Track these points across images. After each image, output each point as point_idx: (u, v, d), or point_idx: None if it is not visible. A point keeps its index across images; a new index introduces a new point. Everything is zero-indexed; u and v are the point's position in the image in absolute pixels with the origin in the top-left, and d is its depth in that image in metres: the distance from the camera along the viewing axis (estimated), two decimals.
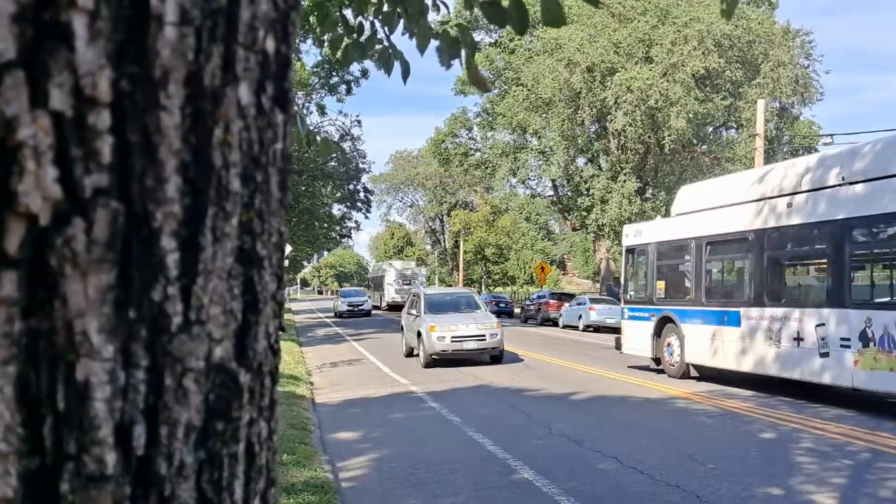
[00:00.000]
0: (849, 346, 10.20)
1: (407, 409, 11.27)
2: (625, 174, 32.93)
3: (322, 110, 41.10)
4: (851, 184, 10.42)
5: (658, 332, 14.50)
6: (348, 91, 36.82)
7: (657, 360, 14.65)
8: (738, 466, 7.47)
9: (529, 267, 64.86)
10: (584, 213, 35.31)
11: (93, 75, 0.50)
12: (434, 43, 2.93)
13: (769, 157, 32.72)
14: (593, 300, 32.73)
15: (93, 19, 0.50)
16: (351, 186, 46.72)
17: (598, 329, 30.79)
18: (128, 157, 0.53)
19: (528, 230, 68.95)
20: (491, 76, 45.74)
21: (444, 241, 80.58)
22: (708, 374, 13.57)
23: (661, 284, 14.86)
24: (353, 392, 13.05)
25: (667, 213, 31.40)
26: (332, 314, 44.68)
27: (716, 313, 13.05)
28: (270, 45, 0.64)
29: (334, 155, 44.70)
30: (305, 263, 69.15)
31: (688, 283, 14.22)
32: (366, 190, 49.68)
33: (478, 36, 50.76)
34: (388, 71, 3.14)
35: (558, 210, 42.64)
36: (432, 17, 3.03)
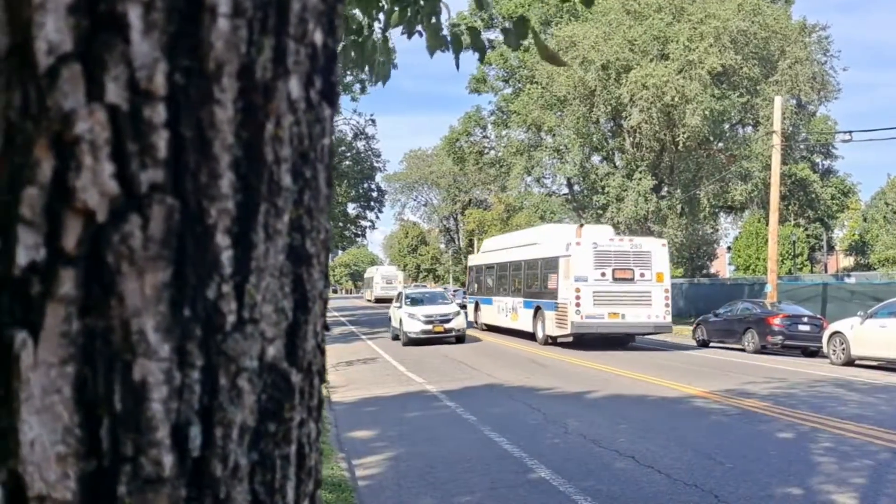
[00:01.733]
0: (532, 315, 22.89)
1: (422, 407, 11.26)
2: (640, 172, 32.73)
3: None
4: (522, 246, 25.12)
5: (476, 308, 29.93)
6: (362, 90, 36.85)
7: (475, 321, 29.11)
8: (756, 466, 7.41)
9: None
10: (600, 212, 35.14)
11: (148, 68, 0.49)
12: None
13: (786, 154, 32.48)
14: None
15: (148, 11, 0.49)
16: (365, 185, 46.78)
17: None
18: (182, 153, 0.51)
19: None
20: (505, 74, 45.69)
21: (459, 239, 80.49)
22: (493, 328, 27.32)
23: (475, 285, 30.54)
24: (369, 390, 13.06)
25: (683, 212, 31.45)
26: (390, 333, 24.44)
27: (488, 300, 28.10)
28: (319, 37, 0.63)
29: (348, 154, 44.83)
30: None
31: (482, 285, 29.48)
32: (378, 189, 49.74)
33: (493, 34, 50.73)
34: (375, 78, 3.12)
35: (573, 208, 42.48)
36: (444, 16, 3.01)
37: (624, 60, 31.30)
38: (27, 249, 0.46)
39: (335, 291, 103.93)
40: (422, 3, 2.70)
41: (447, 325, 21.82)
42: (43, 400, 0.46)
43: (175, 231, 0.51)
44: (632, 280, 20.18)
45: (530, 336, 22.73)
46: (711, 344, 23.37)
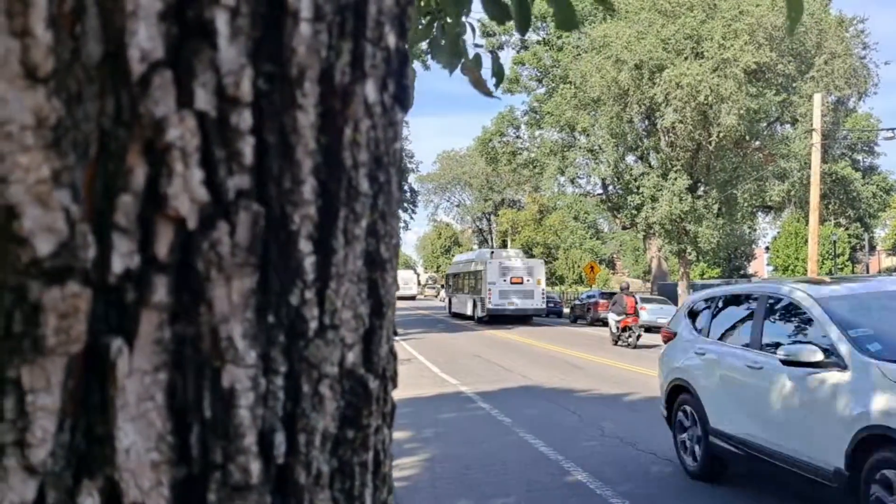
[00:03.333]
0: (472, 304, 35.55)
1: (457, 409, 11.25)
2: (675, 171, 32.35)
3: None
4: (468, 262, 38.30)
5: (450, 302, 41.02)
6: None
7: (448, 310, 41.05)
8: None
9: (578, 266, 64.43)
10: (634, 212, 34.83)
11: (235, 74, 0.49)
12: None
13: (826, 152, 31.92)
14: (644, 299, 32.29)
15: (234, 16, 0.49)
16: None
17: (649, 329, 30.41)
18: (266, 159, 0.51)
19: (576, 229, 68.42)
20: (538, 74, 45.51)
21: (492, 240, 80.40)
22: (457, 315, 38.16)
23: (450, 286, 41.54)
24: (404, 392, 13.08)
25: (719, 212, 31.15)
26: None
27: (455, 296, 39.52)
28: (392, 40, 0.63)
29: None
30: None
31: (452, 286, 40.72)
32: (412, 190, 49.91)
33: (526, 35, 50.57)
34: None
35: (608, 208, 42.18)
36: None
37: (657, 59, 30.99)
38: (122, 257, 0.46)
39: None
40: (448, 19, 2.68)
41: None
42: (138, 407, 0.46)
43: (260, 237, 0.51)
44: (521, 283, 33.05)
45: (471, 318, 35.47)
46: None
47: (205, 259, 0.48)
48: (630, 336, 21.55)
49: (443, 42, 2.72)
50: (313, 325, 0.55)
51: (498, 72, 3.00)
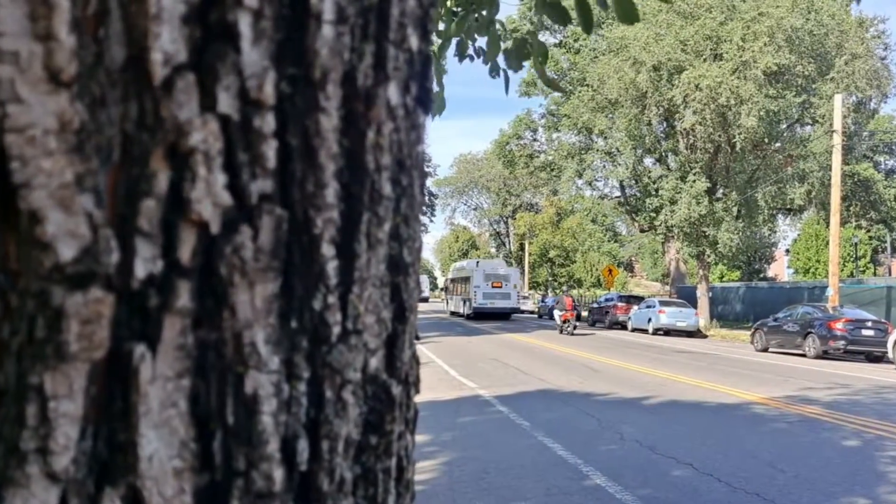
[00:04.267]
0: (462, 303, 43.83)
1: (475, 412, 11.22)
2: (694, 174, 32.13)
3: None
4: (461, 269, 46.53)
5: (447, 302, 51.41)
6: None
7: (447, 309, 50.71)
8: (820, 474, 7.21)
9: (596, 269, 64.14)
10: (653, 214, 34.64)
11: (258, 77, 0.49)
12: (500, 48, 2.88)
13: (847, 154, 31.57)
14: (663, 303, 32.11)
15: (257, 19, 0.49)
16: None
17: (668, 332, 30.20)
18: (289, 162, 0.51)
19: (594, 232, 68.19)
20: (556, 76, 45.38)
21: (509, 243, 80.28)
22: (454, 313, 46.44)
23: (449, 289, 50.15)
24: (421, 395, 12.78)
25: (739, 215, 30.93)
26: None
27: (451, 297, 48.75)
28: (415, 42, 0.62)
29: None
30: None
31: (450, 290, 50.00)
32: (430, 194, 49.99)
33: (542, 36, 50.58)
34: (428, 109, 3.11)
35: (626, 211, 41.99)
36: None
37: (676, 61, 30.83)
38: (145, 262, 0.46)
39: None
40: (483, 12, 2.68)
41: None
42: (161, 414, 0.45)
43: (283, 241, 0.50)
44: (501, 287, 40.95)
45: (462, 315, 43.17)
46: (771, 349, 22.86)
47: (228, 264, 0.48)
48: (568, 326, 28.83)
49: (508, 45, 2.73)
50: (336, 329, 0.54)
51: (542, 50, 3.03)
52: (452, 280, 49.35)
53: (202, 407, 0.47)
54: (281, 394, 0.50)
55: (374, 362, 0.58)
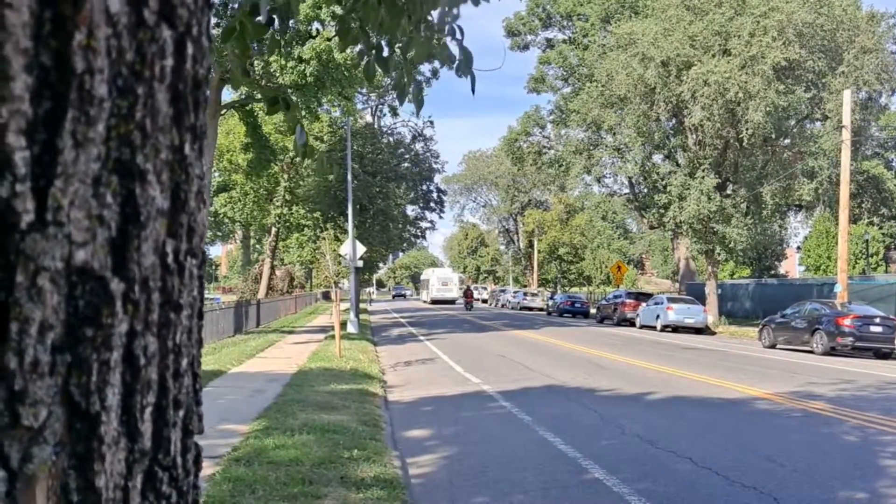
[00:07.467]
0: (429, 294, 73.16)
1: (478, 407, 11.24)
2: (703, 170, 31.94)
3: (394, 112, 41.52)
4: (424, 273, 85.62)
5: (418, 294, 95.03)
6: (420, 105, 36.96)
7: (420, 299, 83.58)
8: (818, 469, 7.20)
9: (606, 266, 63.93)
10: (662, 211, 34.46)
11: None
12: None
13: (856, 150, 31.31)
14: (671, 299, 31.98)
15: None
16: (424, 187, 46.98)
17: (676, 329, 30.08)
18: None
19: (603, 229, 68.08)
20: (564, 73, 45.25)
21: (518, 240, 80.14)
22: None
23: (421, 287, 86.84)
24: (426, 390, 13.09)
25: (748, 211, 30.54)
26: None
27: (423, 293, 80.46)
28: None
29: (407, 156, 45.09)
30: (381, 265, 70.04)
31: (420, 287, 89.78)
32: (439, 190, 49.88)
33: (551, 32, 50.32)
34: (402, 100, 3.20)
35: (635, 208, 41.80)
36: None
37: (685, 57, 30.66)
38: None
39: (402, 295, 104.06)
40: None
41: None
42: None
43: None
44: (447, 286, 68.92)
45: (426, 301, 70.51)
46: (778, 346, 22.76)
47: None
48: (471, 307, 52.03)
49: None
50: (27, 217, 0.56)
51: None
52: (421, 280, 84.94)
53: None
54: None
55: (83, 255, 0.60)
